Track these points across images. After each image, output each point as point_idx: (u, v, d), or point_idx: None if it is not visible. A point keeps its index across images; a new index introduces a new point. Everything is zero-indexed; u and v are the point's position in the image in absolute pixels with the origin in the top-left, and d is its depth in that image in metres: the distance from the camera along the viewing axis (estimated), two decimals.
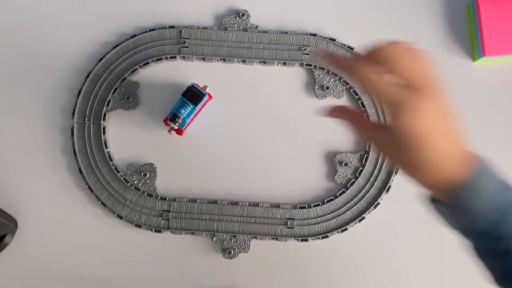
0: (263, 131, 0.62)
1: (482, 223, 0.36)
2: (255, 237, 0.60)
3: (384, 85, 0.35)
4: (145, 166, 0.61)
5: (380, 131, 0.38)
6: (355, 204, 0.60)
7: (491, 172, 0.36)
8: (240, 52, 0.62)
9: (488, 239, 0.36)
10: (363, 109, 0.61)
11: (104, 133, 0.61)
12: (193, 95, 0.58)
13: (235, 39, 0.63)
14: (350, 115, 0.39)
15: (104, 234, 0.60)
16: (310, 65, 0.62)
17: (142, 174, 0.61)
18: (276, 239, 0.60)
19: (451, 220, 0.38)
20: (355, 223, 0.60)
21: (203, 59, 0.62)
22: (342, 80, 0.62)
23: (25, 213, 0.60)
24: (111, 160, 0.61)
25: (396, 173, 0.60)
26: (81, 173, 0.61)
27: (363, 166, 0.60)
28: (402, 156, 0.36)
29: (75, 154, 0.61)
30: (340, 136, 0.62)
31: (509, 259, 0.35)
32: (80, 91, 0.62)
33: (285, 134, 0.62)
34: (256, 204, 0.60)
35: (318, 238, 0.60)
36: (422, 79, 0.35)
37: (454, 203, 0.36)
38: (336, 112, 0.40)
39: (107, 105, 0.62)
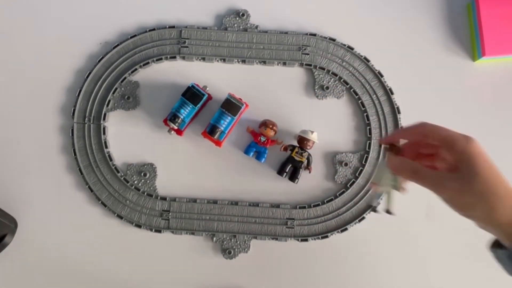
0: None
1: None
2: (255, 237, 0.60)
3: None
4: (145, 166, 0.61)
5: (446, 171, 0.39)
6: (355, 204, 0.60)
7: None
8: (240, 52, 0.62)
9: None
10: (363, 109, 0.61)
11: (104, 133, 0.61)
12: (193, 95, 0.58)
13: (235, 39, 0.62)
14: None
15: (104, 234, 0.60)
16: (310, 65, 0.62)
17: (142, 174, 0.61)
18: (276, 239, 0.60)
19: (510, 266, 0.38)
20: (355, 223, 0.60)
21: (203, 59, 0.62)
22: (342, 80, 0.62)
23: (25, 213, 0.61)
24: (111, 160, 0.61)
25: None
26: (81, 173, 0.61)
27: (363, 166, 0.60)
28: (467, 189, 0.37)
29: (75, 154, 0.61)
30: (340, 136, 0.62)
31: None
32: (80, 91, 0.62)
33: (285, 134, 0.62)
34: (256, 204, 0.60)
35: (318, 238, 0.60)
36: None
37: None
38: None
39: (107, 105, 0.62)
